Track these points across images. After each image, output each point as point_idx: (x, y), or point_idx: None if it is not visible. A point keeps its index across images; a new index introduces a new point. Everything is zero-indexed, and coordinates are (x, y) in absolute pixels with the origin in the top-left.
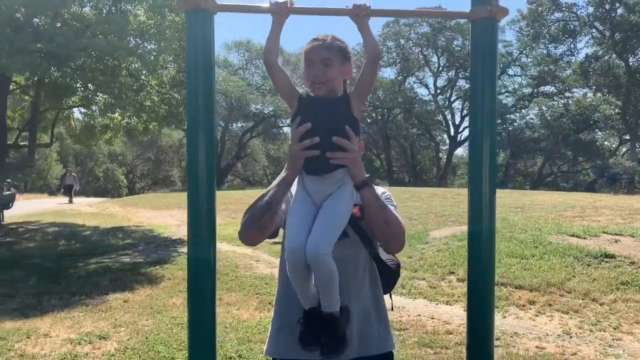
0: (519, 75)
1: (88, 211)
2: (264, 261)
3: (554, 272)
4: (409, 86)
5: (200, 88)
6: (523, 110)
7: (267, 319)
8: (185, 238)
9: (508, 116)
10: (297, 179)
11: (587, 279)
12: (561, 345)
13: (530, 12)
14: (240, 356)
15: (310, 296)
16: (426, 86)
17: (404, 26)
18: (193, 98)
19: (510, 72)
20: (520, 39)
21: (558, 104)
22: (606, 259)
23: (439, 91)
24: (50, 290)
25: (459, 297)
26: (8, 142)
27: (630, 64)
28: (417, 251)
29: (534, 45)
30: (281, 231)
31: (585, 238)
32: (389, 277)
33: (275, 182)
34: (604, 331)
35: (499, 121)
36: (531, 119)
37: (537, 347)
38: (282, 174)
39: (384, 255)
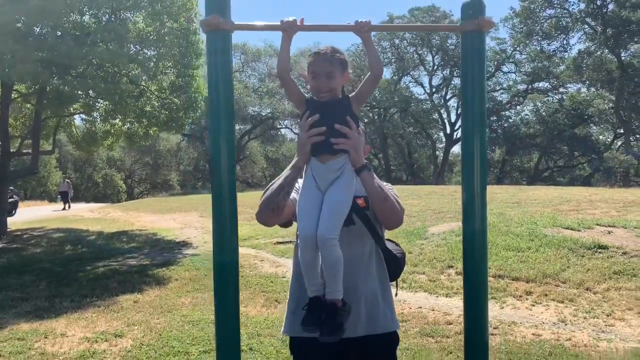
0: (513, 72)
1: (90, 216)
2: (268, 260)
3: (549, 264)
4: (404, 85)
5: (221, 99)
6: (518, 107)
7: (274, 315)
8: (189, 240)
9: (503, 113)
10: (304, 168)
11: (581, 269)
12: (556, 332)
13: (523, 9)
14: (251, 349)
15: (316, 284)
16: (421, 85)
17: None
18: (215, 109)
19: (505, 69)
20: (513, 36)
21: (552, 99)
22: (600, 250)
23: (434, 90)
24: (62, 293)
25: (458, 289)
26: (11, 150)
27: (623, 58)
28: (416, 247)
29: (527, 42)
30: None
31: (579, 230)
32: (394, 265)
33: (287, 168)
34: (597, 318)
35: (494, 118)
36: (526, 115)
37: (533, 334)
38: (293, 161)
39: (390, 246)
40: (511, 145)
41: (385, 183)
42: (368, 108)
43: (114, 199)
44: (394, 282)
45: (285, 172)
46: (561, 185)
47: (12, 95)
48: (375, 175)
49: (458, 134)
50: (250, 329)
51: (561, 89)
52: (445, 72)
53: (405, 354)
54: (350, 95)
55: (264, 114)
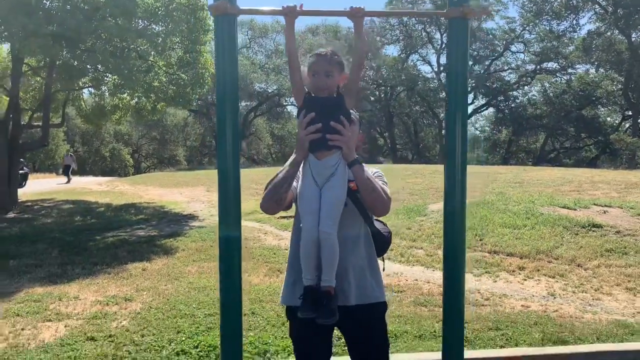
0: (522, 52)
1: (98, 189)
2: (271, 233)
3: (543, 241)
4: (412, 64)
5: (227, 78)
6: (525, 87)
7: (275, 284)
8: (196, 213)
9: (510, 93)
10: (303, 165)
11: (574, 246)
12: (545, 304)
13: None
14: (253, 313)
15: (312, 273)
16: (429, 63)
17: (406, 3)
18: (221, 88)
19: (514, 48)
20: (523, 15)
21: (561, 80)
22: (594, 228)
23: (442, 68)
24: (73, 261)
25: None
26: (22, 123)
27: (633, 40)
28: (416, 223)
29: (536, 21)
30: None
31: (575, 210)
32: (381, 242)
33: (287, 163)
34: (586, 292)
35: (502, 98)
36: (533, 95)
37: (522, 305)
38: (292, 156)
39: (378, 225)
40: (518, 125)
41: (374, 170)
42: (374, 86)
43: (122, 173)
44: (382, 258)
45: (286, 167)
46: (567, 166)
47: (23, 68)
48: (365, 168)
49: None
50: (253, 295)
51: (570, 70)
52: None
53: (398, 320)
54: (342, 92)
55: (270, 91)
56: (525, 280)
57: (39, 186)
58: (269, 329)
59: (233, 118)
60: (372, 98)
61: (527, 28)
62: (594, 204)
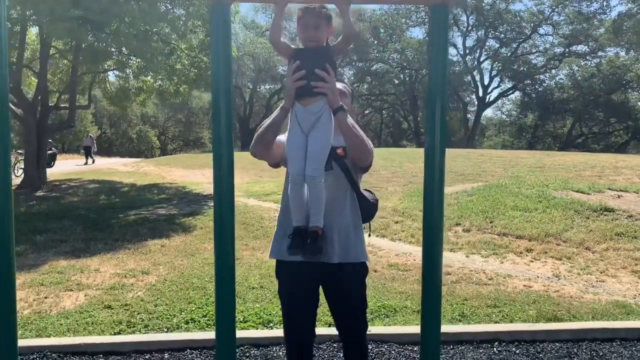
0: (550, 35)
1: (124, 170)
2: None
3: (553, 224)
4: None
5: (221, 62)
6: (553, 71)
7: None
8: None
9: (537, 77)
10: (290, 114)
11: (583, 230)
12: (547, 284)
13: None
14: (261, 287)
15: (302, 215)
16: (454, 46)
17: None
18: (215, 73)
19: (542, 31)
20: None
21: (590, 63)
22: (605, 212)
23: (467, 51)
24: (96, 237)
25: (462, 245)
26: (49, 104)
27: None
28: None
29: (566, 2)
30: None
31: (589, 194)
32: (365, 208)
33: (276, 110)
34: (591, 275)
35: (528, 82)
36: (561, 79)
37: (524, 285)
38: (281, 105)
39: (365, 193)
40: (544, 110)
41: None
42: (399, 69)
43: (148, 155)
44: (369, 224)
45: (275, 112)
46: (595, 152)
47: (51, 51)
48: (349, 116)
49: (491, 96)
50: (262, 270)
51: (599, 53)
52: (479, 33)
53: (400, 296)
54: (331, 44)
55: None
56: (531, 262)
57: (66, 167)
58: (274, 301)
59: (227, 105)
60: (396, 81)
61: (556, 10)
62: (609, 189)
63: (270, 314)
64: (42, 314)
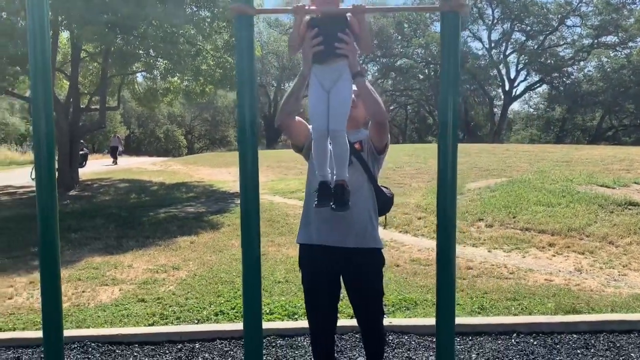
0: (578, 26)
1: (153, 169)
2: None
3: (576, 219)
4: (462, 40)
5: (245, 69)
6: (581, 63)
7: None
8: None
9: (565, 69)
10: (309, 76)
11: (607, 224)
12: (569, 278)
13: None
14: (287, 281)
15: (326, 170)
16: (480, 40)
17: None
18: (240, 76)
19: (569, 22)
20: None
21: (619, 55)
22: (630, 207)
23: (493, 45)
24: (128, 234)
25: (484, 240)
26: (81, 106)
27: None
28: None
29: None
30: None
31: (614, 188)
32: (382, 201)
33: (296, 77)
34: (613, 268)
35: (556, 74)
36: (589, 71)
37: (545, 279)
38: (300, 71)
39: (382, 188)
40: (572, 102)
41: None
42: (423, 64)
43: (175, 154)
44: (384, 217)
45: (295, 80)
46: (625, 145)
47: (81, 54)
48: (367, 81)
49: (518, 90)
50: (288, 265)
51: (630, 44)
52: (505, 26)
53: (421, 290)
54: (348, 16)
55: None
56: (554, 256)
57: (96, 166)
58: (299, 294)
59: (251, 108)
60: (420, 76)
61: (584, 0)
62: (635, 182)
63: (295, 307)
64: (81, 306)
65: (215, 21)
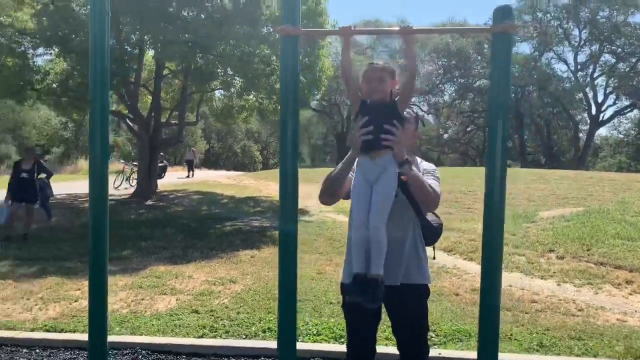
0: None
1: (226, 183)
2: None
3: None
4: (545, 62)
5: (290, 83)
6: None
7: None
8: (307, 209)
9: None
10: (355, 165)
11: None
12: None
13: None
14: (339, 302)
15: (362, 262)
16: (565, 62)
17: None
18: (284, 91)
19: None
20: None
21: None
22: None
23: (579, 67)
24: (194, 245)
25: (554, 272)
26: (162, 121)
27: None
28: (521, 229)
29: None
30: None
31: None
32: (429, 232)
33: (342, 161)
34: None
35: None
36: None
37: (618, 319)
38: (347, 156)
39: (429, 216)
40: None
41: (427, 166)
42: None
43: (251, 168)
44: (432, 247)
45: (340, 165)
46: None
47: (164, 71)
48: (414, 167)
49: (605, 115)
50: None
51: None
52: (593, 47)
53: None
54: (396, 99)
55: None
56: (630, 294)
57: (174, 179)
58: None
59: (294, 125)
60: (510, 97)
61: None
62: None
63: (343, 329)
64: (137, 314)
65: None
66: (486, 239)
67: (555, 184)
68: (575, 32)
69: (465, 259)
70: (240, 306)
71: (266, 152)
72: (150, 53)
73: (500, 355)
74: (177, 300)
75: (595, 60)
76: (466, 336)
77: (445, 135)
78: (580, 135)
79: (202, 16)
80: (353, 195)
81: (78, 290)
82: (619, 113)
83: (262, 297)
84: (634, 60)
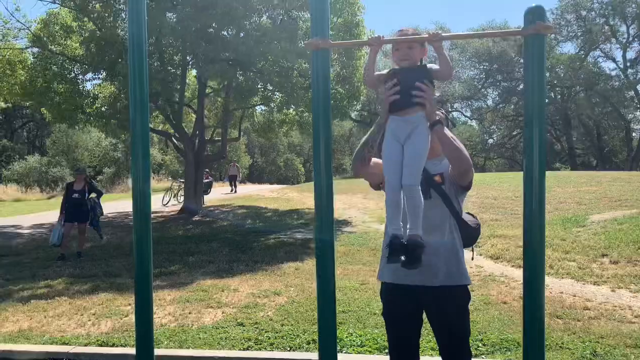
0: None
1: (270, 196)
2: None
3: None
4: (591, 61)
5: (321, 97)
6: None
7: None
8: (349, 219)
9: None
10: (385, 127)
11: None
12: None
13: None
14: (374, 313)
15: (398, 224)
16: (613, 60)
17: None
18: (316, 104)
19: None
20: None
21: None
22: None
23: (628, 64)
24: (239, 259)
25: (608, 278)
26: (206, 138)
27: None
28: (571, 234)
29: None
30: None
31: None
32: (467, 233)
33: (372, 127)
34: None
35: None
36: None
37: None
38: (377, 120)
39: (466, 217)
40: None
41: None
42: (548, 87)
43: (293, 181)
44: (471, 248)
45: (371, 129)
46: None
47: (206, 90)
48: (446, 129)
49: None
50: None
51: None
52: None
53: None
54: (428, 66)
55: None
56: None
57: (219, 194)
58: None
59: (326, 138)
60: (545, 100)
61: None
62: None
63: (386, 340)
64: (185, 327)
65: None
66: (526, 247)
67: (607, 185)
68: (623, 28)
69: (513, 266)
70: (285, 318)
71: (308, 165)
72: (192, 72)
73: None
74: (222, 313)
75: None
76: (514, 346)
77: (490, 141)
78: (634, 135)
79: (241, 35)
80: (384, 157)
81: (129, 306)
82: None
83: (306, 309)
84: None
